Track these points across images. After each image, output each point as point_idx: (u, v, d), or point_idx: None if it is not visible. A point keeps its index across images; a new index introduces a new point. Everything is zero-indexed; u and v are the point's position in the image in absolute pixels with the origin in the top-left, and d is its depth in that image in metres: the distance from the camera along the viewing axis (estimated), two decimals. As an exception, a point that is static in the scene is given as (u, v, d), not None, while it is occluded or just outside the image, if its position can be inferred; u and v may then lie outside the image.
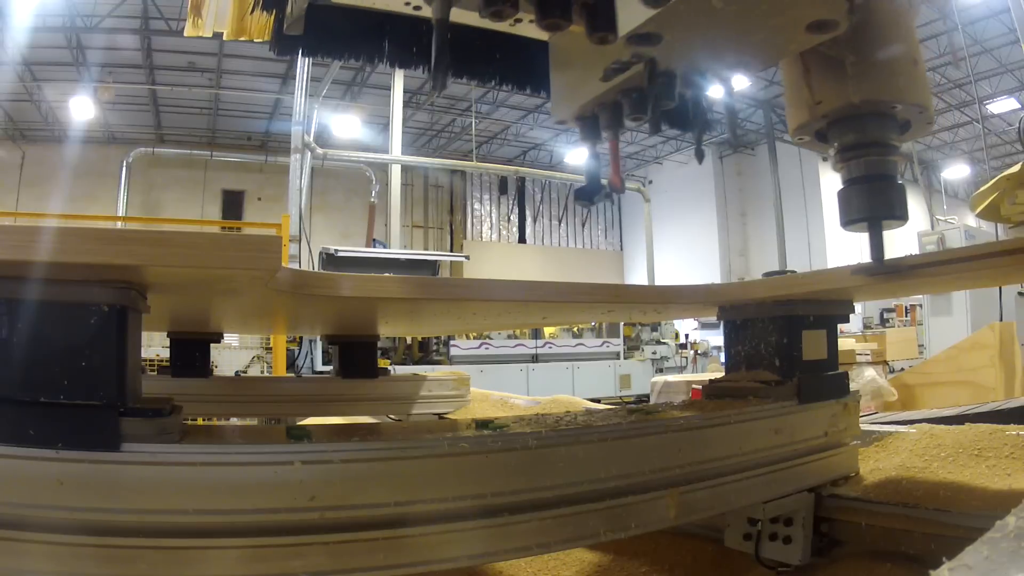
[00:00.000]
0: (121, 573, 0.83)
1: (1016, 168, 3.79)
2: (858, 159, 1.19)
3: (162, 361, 5.85)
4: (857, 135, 1.18)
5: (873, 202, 1.19)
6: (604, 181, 1.32)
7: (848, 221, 1.22)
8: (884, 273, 1.23)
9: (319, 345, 9.58)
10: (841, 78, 1.14)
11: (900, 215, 1.20)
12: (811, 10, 0.81)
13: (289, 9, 1.43)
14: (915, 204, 22.80)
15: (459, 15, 1.08)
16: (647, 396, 7.05)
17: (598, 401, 5.63)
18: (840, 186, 1.23)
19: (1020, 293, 4.35)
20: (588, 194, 1.28)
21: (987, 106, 17.30)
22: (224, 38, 1.57)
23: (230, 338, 9.52)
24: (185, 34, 1.59)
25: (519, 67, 1.56)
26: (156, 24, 13.80)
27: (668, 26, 0.85)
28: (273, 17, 1.46)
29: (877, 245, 1.21)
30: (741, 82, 17.31)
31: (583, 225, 24.84)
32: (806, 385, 1.45)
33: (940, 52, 15.88)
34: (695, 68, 1.09)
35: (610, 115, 1.24)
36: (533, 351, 12.00)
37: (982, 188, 3.94)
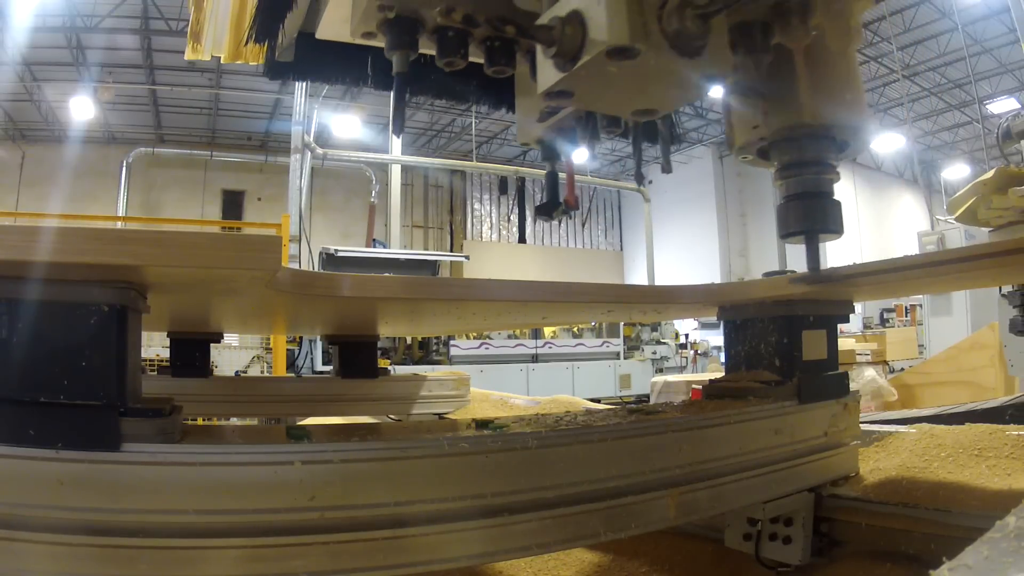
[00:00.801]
0: (121, 573, 0.83)
1: (990, 174, 3.86)
2: (795, 177, 1.29)
3: (162, 361, 5.84)
4: (794, 155, 1.28)
5: (809, 217, 1.29)
6: (562, 199, 1.45)
7: (786, 234, 1.32)
8: (819, 282, 1.32)
9: (319, 345, 9.58)
10: (777, 104, 1.24)
11: (834, 229, 1.30)
12: (711, 68, 0.92)
13: (280, 39, 1.53)
14: (915, 204, 22.82)
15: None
16: (647, 396, 7.05)
17: (598, 401, 5.63)
18: (781, 200, 1.34)
19: (1002, 295, 4.37)
20: (547, 209, 1.40)
21: (987, 106, 17.30)
22: (221, 61, 1.65)
23: (230, 338, 9.51)
24: (185, 58, 1.68)
25: (495, 91, 1.65)
26: (156, 24, 13.80)
27: (578, 85, 0.96)
28: (266, 45, 1.56)
29: (813, 256, 1.31)
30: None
31: (583, 225, 24.83)
32: (806, 385, 1.45)
33: (940, 52, 15.89)
34: (610, 113, 1.21)
35: (566, 139, 1.35)
36: (533, 351, 11.99)
37: (959, 193, 4.03)
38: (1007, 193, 3.66)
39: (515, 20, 1.06)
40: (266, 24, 1.48)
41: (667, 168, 1.42)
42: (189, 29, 1.68)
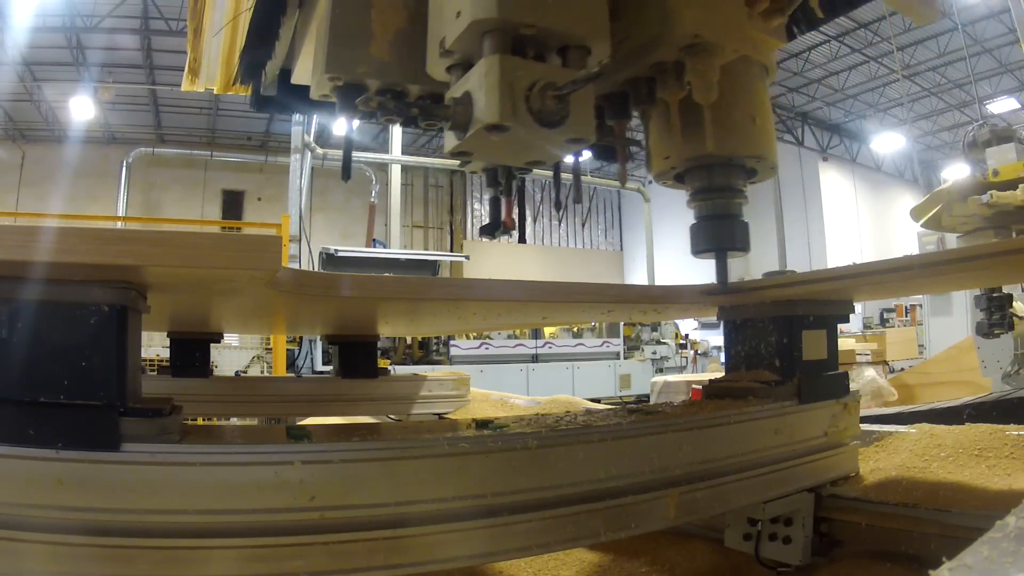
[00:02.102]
0: (121, 573, 0.83)
1: (948, 183, 3.95)
2: (706, 200, 1.45)
3: (162, 361, 5.84)
4: (704, 181, 1.44)
5: (718, 236, 1.45)
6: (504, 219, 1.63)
7: (697, 251, 1.48)
8: (725, 294, 1.49)
9: (319, 345, 9.58)
10: (686, 136, 1.40)
11: (741, 247, 1.46)
12: (572, 133, 1.07)
13: (264, 76, 1.76)
14: (915, 204, 22.81)
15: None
16: (647, 396, 7.05)
17: (598, 401, 5.63)
18: (694, 221, 1.50)
19: (977, 296, 4.44)
20: (490, 229, 1.59)
21: (987, 106, 17.30)
22: (215, 92, 1.85)
23: (230, 338, 9.51)
24: (182, 89, 1.87)
25: None
26: (156, 24, 13.80)
27: (472, 148, 1.15)
28: (255, 82, 1.80)
29: (721, 271, 1.48)
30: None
31: (583, 225, 24.83)
32: (806, 385, 1.45)
33: (940, 52, 15.89)
34: (506, 164, 1.42)
35: (500, 169, 1.55)
36: (533, 351, 11.99)
37: (922, 201, 4.14)
38: (966, 202, 3.76)
39: (434, 91, 1.31)
40: (249, 70, 1.75)
41: (622, 181, 1.60)
42: (187, 65, 1.86)
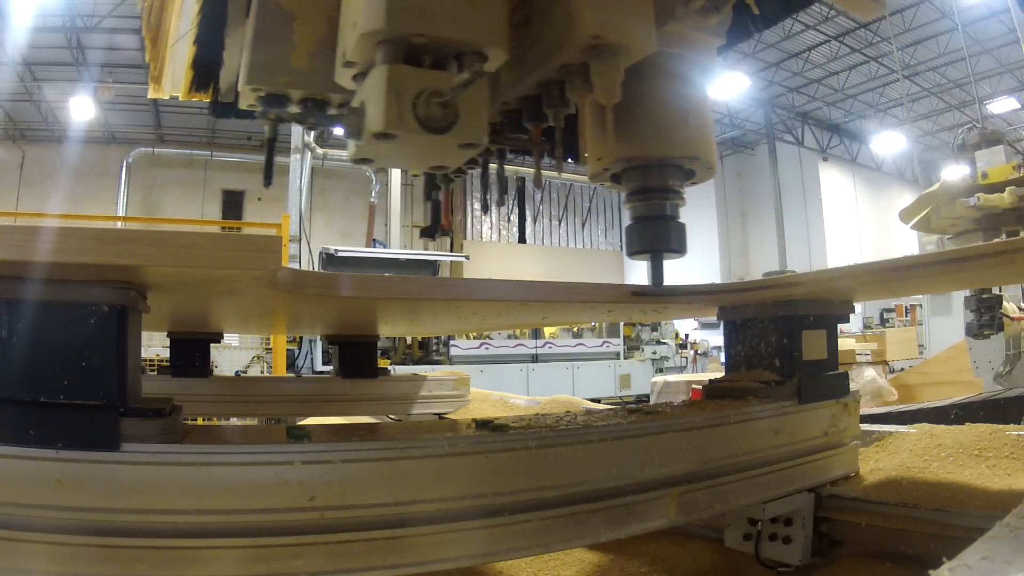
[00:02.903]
0: (121, 573, 0.83)
1: (936, 187, 3.97)
2: (641, 201, 1.43)
3: (162, 361, 5.84)
4: (639, 182, 1.42)
5: (653, 238, 1.43)
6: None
7: (632, 252, 1.46)
8: (658, 295, 1.46)
9: (319, 345, 9.58)
10: (617, 136, 1.39)
11: (676, 249, 1.44)
12: (462, 138, 1.09)
13: (218, 84, 1.83)
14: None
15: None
16: (647, 396, 7.05)
17: (598, 401, 5.63)
18: (630, 222, 1.49)
19: (967, 298, 4.48)
20: (430, 232, 1.61)
21: (987, 106, 17.30)
22: (180, 99, 1.90)
23: (230, 338, 9.51)
24: (148, 96, 1.90)
25: None
26: (156, 24, 13.78)
27: (372, 155, 1.19)
28: (211, 88, 1.88)
29: (657, 273, 1.45)
30: (742, 82, 17.32)
31: (583, 225, 24.83)
32: (806, 385, 1.45)
33: (940, 52, 15.89)
34: (408, 169, 1.45)
35: (439, 174, 1.56)
36: (533, 351, 11.99)
37: (910, 203, 4.17)
38: (955, 204, 3.79)
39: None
40: (202, 80, 1.83)
41: (537, 184, 1.59)
42: (150, 74, 1.89)
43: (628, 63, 1.23)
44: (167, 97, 1.97)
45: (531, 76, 1.29)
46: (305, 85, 1.36)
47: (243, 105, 1.40)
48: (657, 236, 1.43)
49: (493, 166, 1.67)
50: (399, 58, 1.07)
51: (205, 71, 1.80)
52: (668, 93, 1.36)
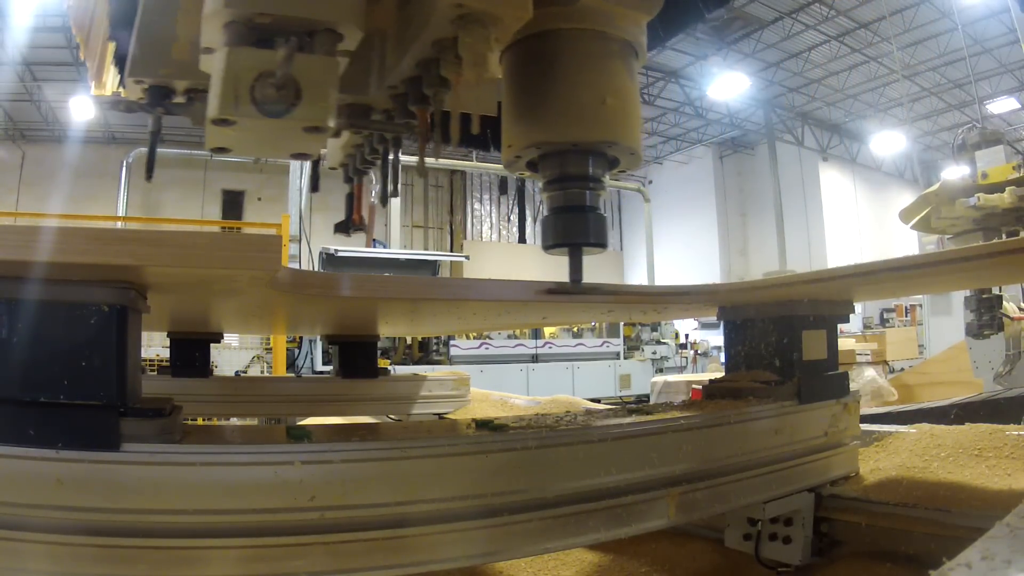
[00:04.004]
0: (121, 573, 0.83)
1: (936, 187, 3.97)
2: (559, 191, 1.33)
3: (162, 361, 5.84)
4: (556, 170, 1.31)
5: (570, 230, 1.32)
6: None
7: (548, 246, 1.36)
8: (574, 293, 1.34)
9: (319, 345, 9.58)
10: (528, 120, 1.29)
11: (595, 242, 1.33)
12: (304, 121, 1.04)
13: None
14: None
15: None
16: (647, 396, 7.05)
17: (598, 401, 5.63)
18: (546, 213, 1.39)
19: (967, 298, 4.48)
20: (344, 227, 1.55)
21: (987, 106, 17.30)
22: (123, 96, 1.88)
23: (230, 338, 9.51)
24: (92, 93, 1.86)
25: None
26: (156, 24, 13.78)
27: (226, 143, 1.14)
28: None
29: (575, 268, 1.35)
30: (743, 82, 17.32)
31: (583, 225, 24.80)
32: (806, 385, 1.45)
33: (940, 52, 15.89)
34: (272, 157, 1.35)
35: (351, 166, 1.52)
36: (533, 351, 11.99)
37: (910, 203, 4.17)
38: (955, 204, 3.79)
39: None
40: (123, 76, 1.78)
41: (420, 173, 1.44)
42: (91, 72, 1.87)
43: (503, 35, 1.16)
44: (110, 95, 1.96)
45: (409, 55, 1.22)
46: (187, 76, 1.30)
47: (133, 98, 1.34)
48: (575, 228, 1.32)
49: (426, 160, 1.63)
50: (245, 40, 1.02)
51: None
52: (582, 73, 1.26)
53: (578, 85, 1.25)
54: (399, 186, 1.60)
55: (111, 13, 1.52)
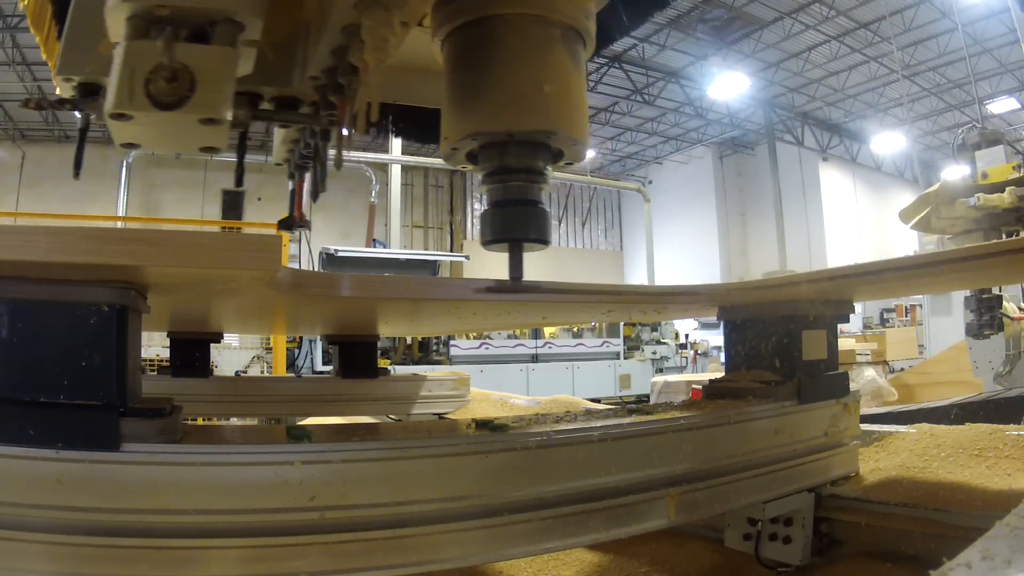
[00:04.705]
0: (121, 573, 0.83)
1: (936, 187, 3.98)
2: (499, 184, 1.27)
3: (162, 361, 5.83)
4: (495, 162, 1.25)
5: (510, 225, 1.26)
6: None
7: (487, 241, 1.29)
8: (514, 291, 1.27)
9: (319, 345, 9.59)
10: (463, 109, 1.24)
11: (536, 238, 1.26)
12: (199, 112, 1.01)
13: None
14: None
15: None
16: (647, 396, 7.05)
17: (598, 401, 5.63)
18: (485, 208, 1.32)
19: (967, 298, 4.49)
20: (286, 224, 1.52)
21: (987, 106, 17.30)
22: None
23: (230, 338, 9.50)
24: (57, 93, 1.85)
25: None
26: (156, 24, 13.77)
27: (134, 138, 1.11)
28: None
29: (515, 265, 1.27)
30: (743, 82, 17.32)
31: (583, 225, 24.84)
32: (806, 385, 1.45)
33: (940, 52, 15.89)
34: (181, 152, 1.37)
35: (292, 162, 1.50)
36: (533, 351, 11.99)
37: (910, 203, 4.17)
38: (955, 204, 3.79)
39: None
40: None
41: (337, 164, 1.38)
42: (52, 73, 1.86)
43: (411, 18, 1.13)
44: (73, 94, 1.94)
45: (322, 44, 1.20)
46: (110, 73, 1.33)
47: (66, 96, 1.33)
48: (515, 223, 1.25)
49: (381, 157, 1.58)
50: (142, 33, 1.01)
51: None
52: (520, 60, 1.20)
53: (515, 72, 1.19)
54: (324, 181, 1.53)
55: (54, 12, 1.52)
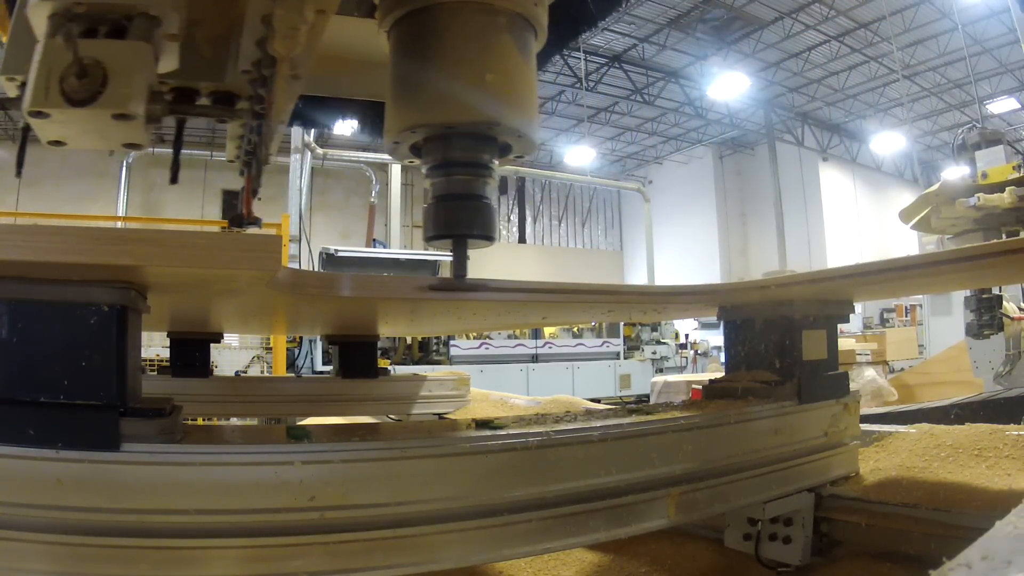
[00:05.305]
0: (121, 573, 0.83)
1: (936, 187, 3.98)
2: (442, 177, 1.23)
3: (162, 361, 5.84)
4: (439, 155, 1.22)
5: (454, 220, 1.21)
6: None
7: (429, 237, 1.25)
8: (458, 289, 1.22)
9: (319, 345, 9.58)
10: (401, 104, 1.21)
11: (480, 234, 1.21)
12: (111, 108, 1.00)
13: None
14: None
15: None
16: (647, 396, 7.05)
17: (598, 401, 5.63)
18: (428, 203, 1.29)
19: (967, 298, 4.50)
20: (236, 221, 1.50)
21: (987, 106, 17.30)
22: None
23: (230, 338, 9.51)
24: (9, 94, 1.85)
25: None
26: (156, 24, 13.76)
27: (60, 135, 1.12)
28: None
29: (459, 263, 1.23)
30: (742, 82, 17.32)
31: (583, 225, 24.84)
32: (806, 385, 1.45)
33: (940, 52, 15.89)
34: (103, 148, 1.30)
35: (241, 159, 1.48)
36: (533, 351, 11.98)
37: (910, 203, 4.17)
38: (955, 204, 3.79)
39: None
40: None
41: (264, 160, 1.41)
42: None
43: (326, 7, 1.11)
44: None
45: (246, 36, 1.18)
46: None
47: (11, 95, 1.32)
48: (458, 219, 1.21)
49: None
50: (62, 31, 1.00)
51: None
52: (461, 49, 1.17)
53: (456, 62, 1.16)
54: (259, 178, 1.57)
55: (6, 12, 1.52)
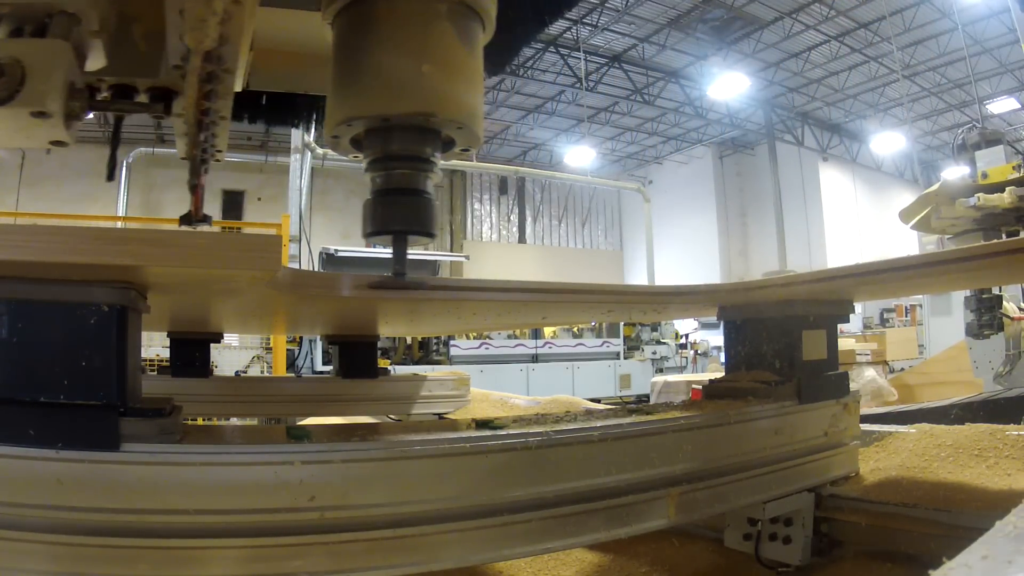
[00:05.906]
0: (121, 573, 0.83)
1: (936, 187, 3.98)
2: (381, 172, 1.20)
3: (162, 361, 5.83)
4: (378, 149, 1.19)
5: (392, 216, 1.19)
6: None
7: (367, 233, 1.22)
8: (398, 288, 1.19)
9: (319, 345, 9.57)
10: (340, 97, 1.18)
11: (420, 231, 1.20)
12: (28, 105, 1.00)
13: None
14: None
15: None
16: (647, 396, 7.04)
17: (598, 401, 5.63)
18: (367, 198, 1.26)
19: (967, 298, 4.50)
20: (187, 219, 1.52)
21: (987, 106, 17.30)
22: None
23: (230, 338, 9.49)
24: None
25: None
26: (156, 24, 13.76)
27: None
28: None
29: (399, 259, 1.20)
30: (742, 82, 17.33)
31: (583, 225, 24.83)
32: (806, 385, 1.45)
33: (940, 52, 15.89)
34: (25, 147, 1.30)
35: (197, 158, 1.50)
36: (533, 351, 11.98)
37: (910, 203, 4.18)
38: (955, 204, 3.79)
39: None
40: None
41: (195, 178, 1.40)
42: None
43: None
44: None
45: (170, 32, 1.16)
46: None
47: None
48: (397, 215, 1.18)
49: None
50: None
51: None
52: (398, 38, 1.14)
53: (392, 52, 1.13)
54: (196, 175, 1.54)
55: None
